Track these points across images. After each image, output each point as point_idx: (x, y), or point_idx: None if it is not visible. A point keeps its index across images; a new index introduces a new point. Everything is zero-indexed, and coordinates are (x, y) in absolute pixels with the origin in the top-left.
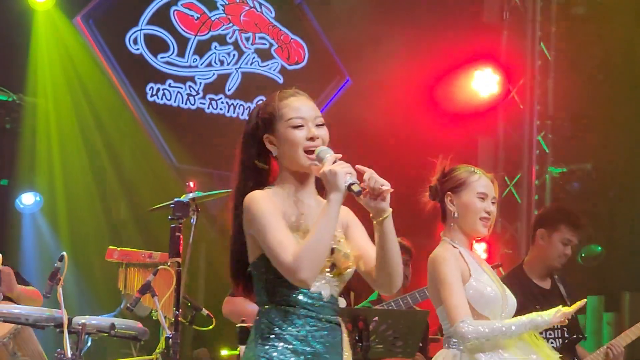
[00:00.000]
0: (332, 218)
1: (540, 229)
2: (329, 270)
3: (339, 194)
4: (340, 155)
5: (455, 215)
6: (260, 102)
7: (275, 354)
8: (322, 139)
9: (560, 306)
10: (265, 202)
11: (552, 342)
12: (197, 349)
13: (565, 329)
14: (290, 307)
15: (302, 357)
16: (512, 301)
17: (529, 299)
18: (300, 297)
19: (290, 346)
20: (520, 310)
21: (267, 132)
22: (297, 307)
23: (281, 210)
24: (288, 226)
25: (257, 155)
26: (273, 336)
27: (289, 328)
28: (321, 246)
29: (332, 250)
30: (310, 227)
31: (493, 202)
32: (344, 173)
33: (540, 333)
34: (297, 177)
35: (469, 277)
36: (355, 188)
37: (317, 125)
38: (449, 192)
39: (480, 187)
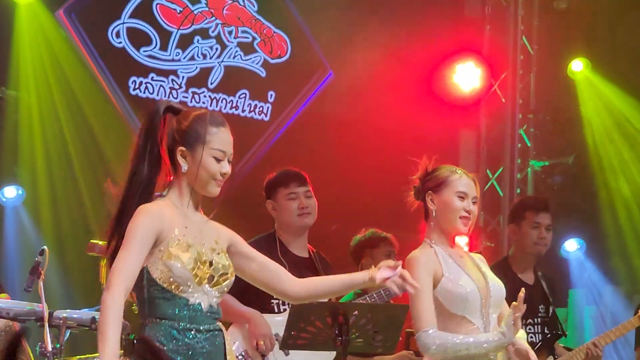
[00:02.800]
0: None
1: (509, 226)
2: (207, 282)
3: None
4: None
5: (434, 214)
6: (161, 105)
7: None
8: (227, 176)
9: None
10: (144, 223)
11: (531, 338)
12: None
13: (545, 325)
14: (169, 321)
15: None
16: (496, 293)
17: (512, 292)
18: (178, 310)
19: None
20: None
21: (185, 146)
22: (176, 320)
23: (166, 225)
24: (169, 240)
25: (159, 156)
26: None
27: (169, 343)
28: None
29: (211, 263)
30: (190, 242)
31: (474, 202)
32: None
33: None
34: (193, 196)
35: (442, 277)
36: None
37: (229, 161)
38: (429, 191)
39: (460, 187)
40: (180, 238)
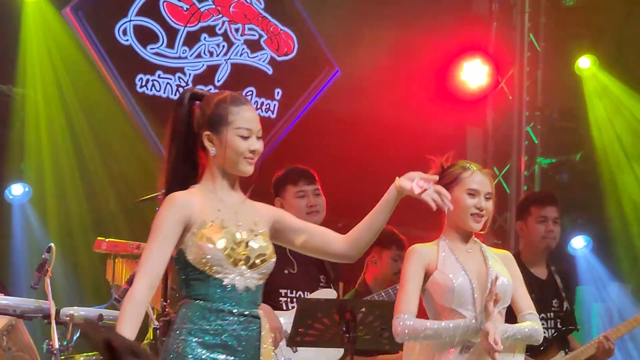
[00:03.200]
0: None
1: (517, 223)
2: (244, 263)
3: None
4: None
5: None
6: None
7: (185, 348)
8: (259, 153)
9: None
10: (169, 214)
11: (544, 333)
12: None
13: (558, 320)
14: (204, 302)
15: (212, 350)
16: (497, 288)
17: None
18: (213, 291)
19: (201, 340)
20: None
21: (211, 130)
22: (210, 301)
23: (195, 210)
24: (201, 223)
25: (192, 146)
26: (185, 330)
27: (201, 322)
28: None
29: (247, 244)
30: (225, 224)
31: (487, 198)
32: None
33: None
34: (227, 177)
35: (434, 270)
36: None
37: (258, 138)
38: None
39: (471, 184)
40: (213, 220)
